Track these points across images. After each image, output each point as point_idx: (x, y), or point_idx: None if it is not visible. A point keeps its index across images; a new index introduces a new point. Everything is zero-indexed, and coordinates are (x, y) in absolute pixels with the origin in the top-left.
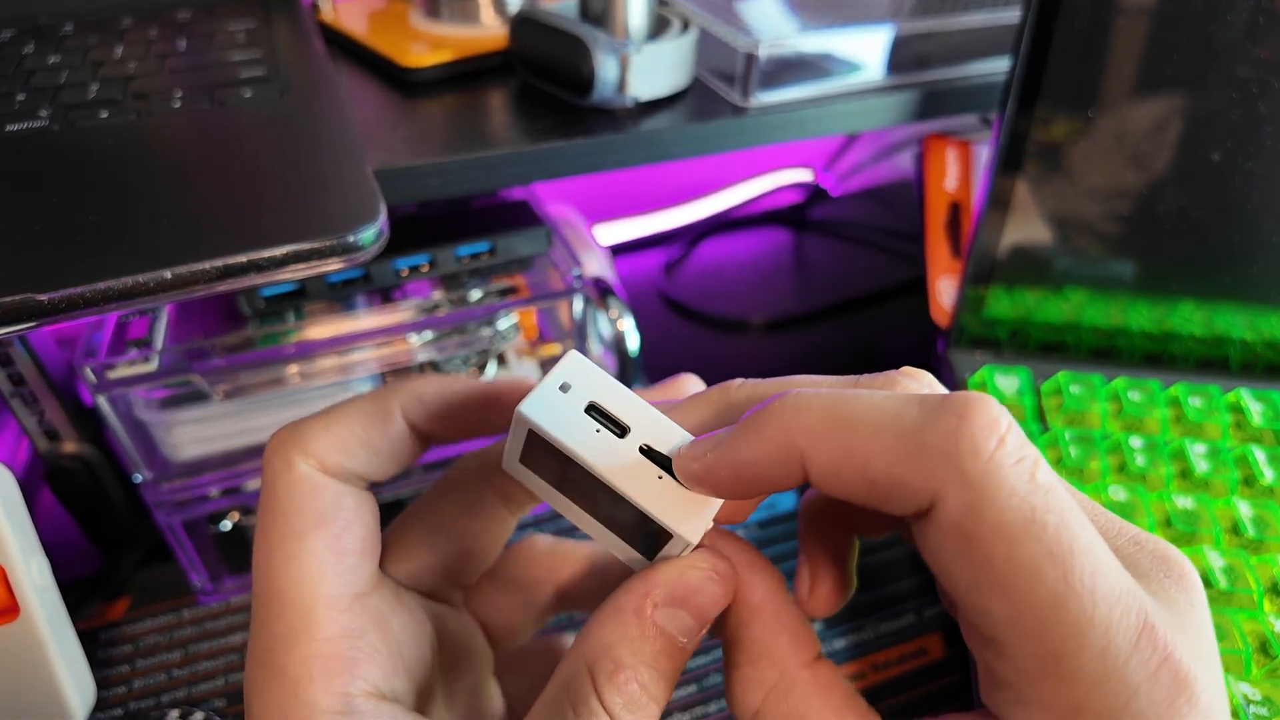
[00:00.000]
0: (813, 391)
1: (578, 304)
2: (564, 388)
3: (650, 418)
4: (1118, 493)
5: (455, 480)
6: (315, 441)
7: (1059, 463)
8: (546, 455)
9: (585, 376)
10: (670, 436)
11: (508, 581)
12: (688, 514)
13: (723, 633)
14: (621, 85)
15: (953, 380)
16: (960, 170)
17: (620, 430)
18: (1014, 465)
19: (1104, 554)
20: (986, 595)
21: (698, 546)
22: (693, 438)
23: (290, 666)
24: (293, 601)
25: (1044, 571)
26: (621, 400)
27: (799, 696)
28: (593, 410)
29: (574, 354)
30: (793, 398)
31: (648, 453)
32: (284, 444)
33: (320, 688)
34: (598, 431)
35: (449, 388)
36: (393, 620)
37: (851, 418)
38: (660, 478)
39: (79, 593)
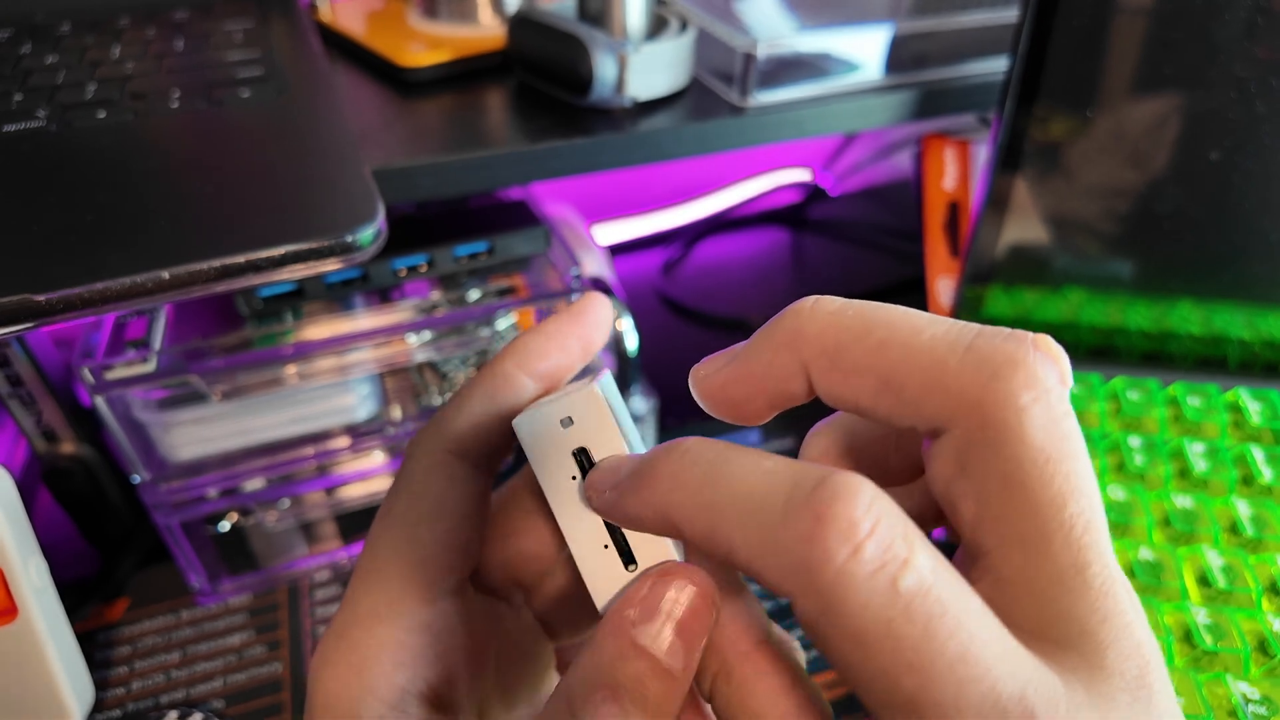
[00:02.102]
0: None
1: None
2: (565, 422)
3: None
4: (1116, 492)
5: (523, 484)
6: (451, 424)
7: None
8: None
9: (592, 418)
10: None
11: (567, 580)
12: (611, 592)
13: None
14: (620, 85)
15: None
16: (959, 170)
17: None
18: (869, 576)
19: (978, 658)
20: (854, 686)
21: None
22: (670, 543)
23: (364, 645)
24: (386, 585)
25: (901, 682)
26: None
27: (740, 679)
28: (581, 455)
29: (594, 391)
30: (807, 304)
31: (610, 527)
32: (426, 430)
33: (383, 675)
34: (573, 478)
35: (544, 329)
36: (468, 623)
37: (718, 501)
38: (606, 547)
39: (77, 594)
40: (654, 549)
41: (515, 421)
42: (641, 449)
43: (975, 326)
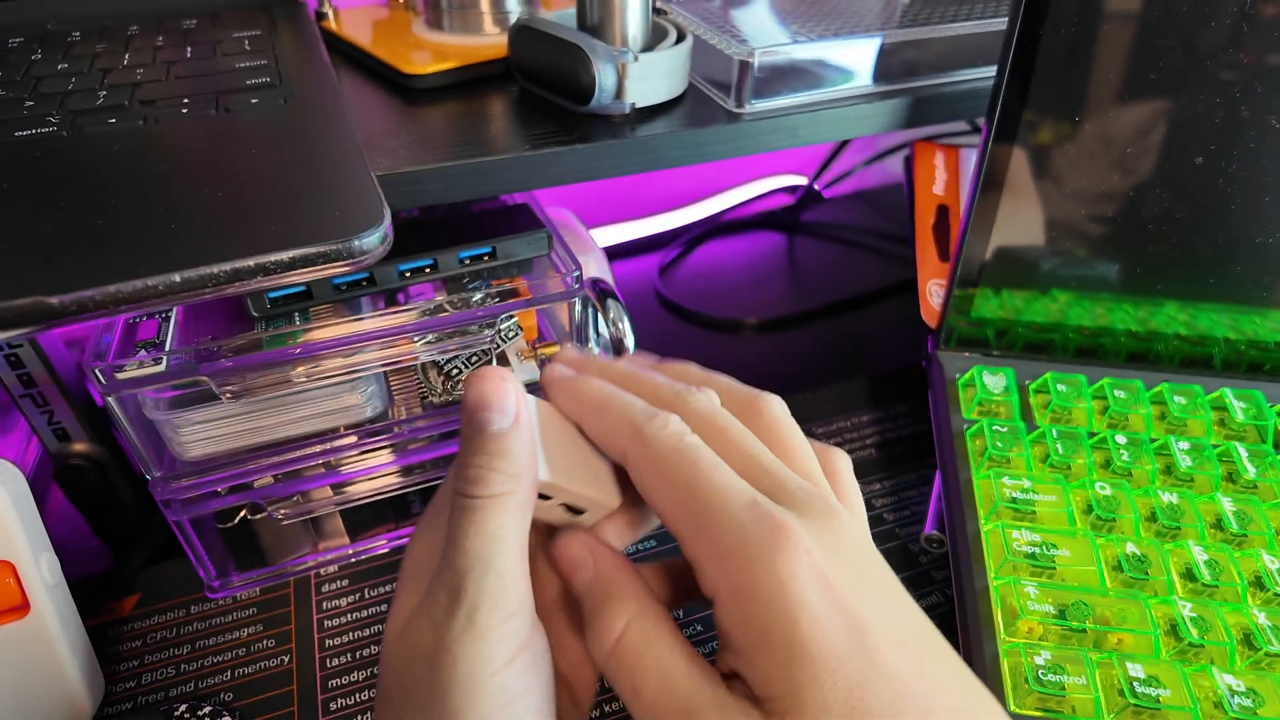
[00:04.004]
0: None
1: (577, 305)
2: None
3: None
4: (1103, 488)
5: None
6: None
7: (1045, 459)
8: None
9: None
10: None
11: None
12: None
13: (583, 602)
14: (619, 93)
15: (943, 378)
16: (948, 175)
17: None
18: (668, 434)
19: (725, 471)
20: (656, 500)
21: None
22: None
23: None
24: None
25: (680, 473)
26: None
27: (657, 618)
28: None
29: (538, 403)
30: (584, 382)
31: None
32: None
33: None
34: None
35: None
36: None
37: (599, 398)
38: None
39: (89, 590)
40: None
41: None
42: None
43: None
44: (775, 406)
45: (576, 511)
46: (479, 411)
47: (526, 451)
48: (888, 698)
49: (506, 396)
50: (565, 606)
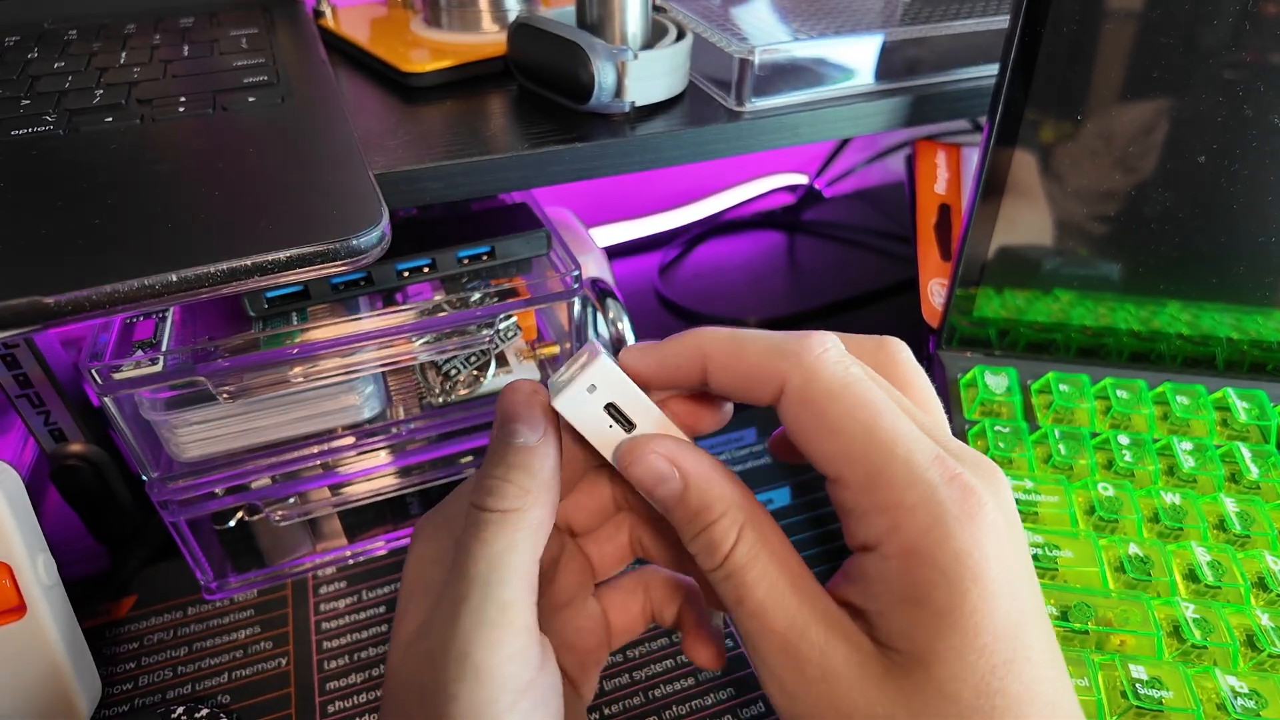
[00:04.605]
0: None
1: (577, 305)
2: (590, 389)
3: (654, 417)
4: (1105, 489)
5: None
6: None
7: (1047, 460)
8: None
9: (609, 379)
10: (666, 431)
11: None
12: None
13: (672, 515)
14: (619, 91)
15: (945, 378)
16: (950, 174)
17: (629, 426)
18: (833, 363)
19: (903, 416)
20: (824, 440)
21: None
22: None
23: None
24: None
25: (856, 414)
26: (633, 402)
27: (765, 525)
28: (611, 408)
29: (605, 360)
30: (704, 328)
31: None
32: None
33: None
34: (611, 427)
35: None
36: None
37: (739, 335)
38: None
39: (86, 591)
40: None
41: (557, 406)
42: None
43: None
44: (905, 352)
45: (625, 423)
46: (508, 423)
47: (548, 470)
48: (1024, 686)
49: (535, 410)
50: (576, 602)
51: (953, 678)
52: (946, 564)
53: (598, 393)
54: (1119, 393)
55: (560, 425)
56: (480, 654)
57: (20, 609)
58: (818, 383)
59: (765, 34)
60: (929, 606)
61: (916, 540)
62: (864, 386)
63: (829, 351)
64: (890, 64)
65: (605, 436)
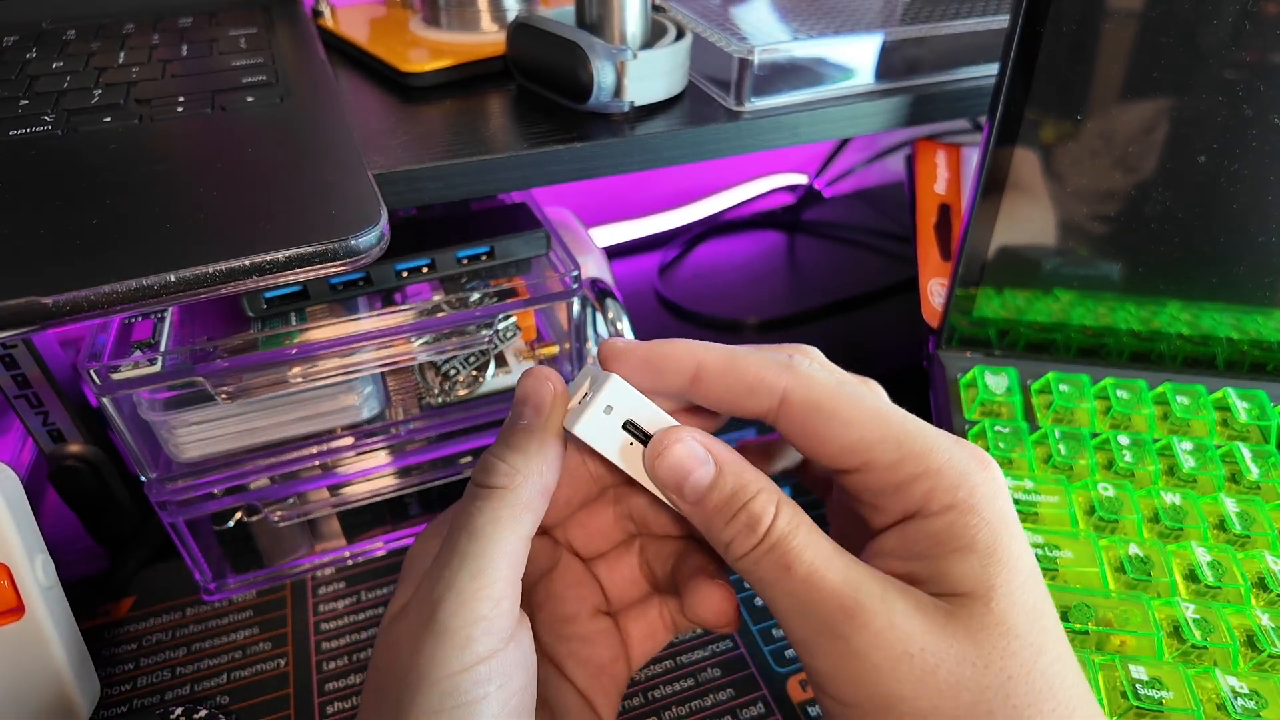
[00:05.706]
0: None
1: (576, 305)
2: (607, 410)
3: (671, 427)
4: (1106, 489)
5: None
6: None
7: (1047, 460)
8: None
9: (623, 397)
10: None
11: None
12: None
13: (706, 499)
14: (618, 91)
15: (944, 378)
16: (950, 173)
17: (647, 439)
18: (825, 371)
19: (890, 402)
20: (841, 434)
21: None
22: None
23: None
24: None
25: (864, 405)
26: (651, 416)
27: (795, 505)
28: (629, 425)
29: (616, 379)
30: (688, 340)
31: None
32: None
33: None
34: (631, 444)
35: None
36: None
37: (732, 348)
38: None
39: (84, 591)
40: None
41: (574, 430)
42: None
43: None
44: (873, 385)
45: (644, 438)
46: (520, 405)
47: (544, 455)
48: (1055, 622)
49: (546, 397)
50: (583, 617)
51: (1011, 608)
52: (984, 508)
53: (614, 413)
54: (1119, 393)
55: (575, 445)
56: (445, 613)
57: (19, 610)
58: (819, 387)
59: (765, 34)
60: (978, 549)
61: (953, 495)
62: (854, 384)
63: (816, 362)
64: (890, 64)
65: (626, 453)
